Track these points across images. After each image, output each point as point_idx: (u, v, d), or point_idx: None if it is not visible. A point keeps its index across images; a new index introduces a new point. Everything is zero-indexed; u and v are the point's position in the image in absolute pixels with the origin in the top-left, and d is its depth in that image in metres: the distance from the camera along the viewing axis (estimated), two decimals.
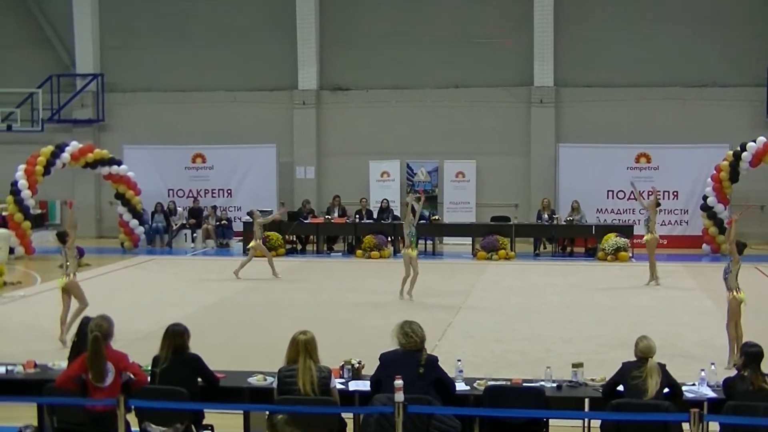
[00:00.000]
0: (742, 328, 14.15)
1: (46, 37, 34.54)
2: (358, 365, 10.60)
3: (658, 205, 23.76)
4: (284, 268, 25.88)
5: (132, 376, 9.71)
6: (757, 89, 30.48)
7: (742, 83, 30.71)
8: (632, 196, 29.81)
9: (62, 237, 16.38)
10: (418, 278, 20.14)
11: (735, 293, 14.37)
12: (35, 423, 10.34)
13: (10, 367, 10.98)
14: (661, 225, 29.88)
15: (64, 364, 10.43)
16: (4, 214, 28.76)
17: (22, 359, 11.26)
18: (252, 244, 24.37)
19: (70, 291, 15.96)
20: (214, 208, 31.54)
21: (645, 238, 23.01)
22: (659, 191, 25.75)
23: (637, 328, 13.91)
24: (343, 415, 9.58)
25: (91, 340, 9.42)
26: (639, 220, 27.52)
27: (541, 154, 31.58)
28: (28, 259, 27.67)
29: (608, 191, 30.70)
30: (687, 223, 30.12)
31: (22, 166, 28.44)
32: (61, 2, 33.93)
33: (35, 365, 10.95)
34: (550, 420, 9.77)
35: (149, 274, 25.51)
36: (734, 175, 28.09)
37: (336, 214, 30.03)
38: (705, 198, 28.35)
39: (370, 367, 10.09)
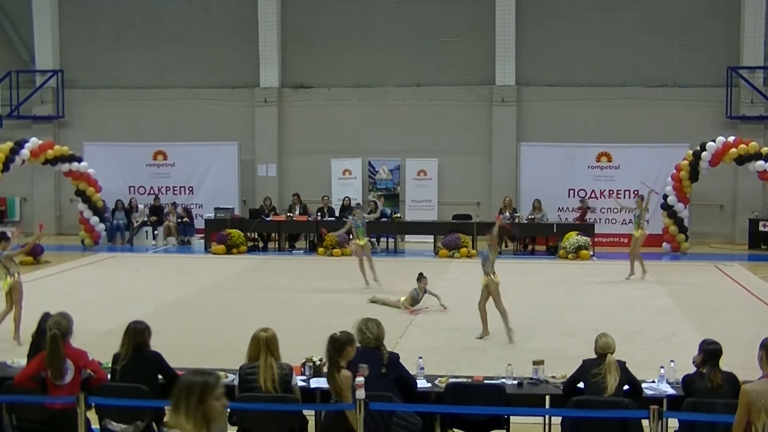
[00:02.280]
0: (503, 305, 16.05)
1: (4, 32, 34.25)
2: (319, 363, 10.61)
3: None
4: (246, 265, 25.90)
5: (92, 373, 9.68)
6: (717, 89, 30.69)
7: (702, 84, 30.92)
8: (593, 196, 30.16)
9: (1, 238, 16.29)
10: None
11: (493, 276, 15.92)
12: None
13: None
14: (621, 224, 30.19)
15: (23, 362, 10.38)
16: None
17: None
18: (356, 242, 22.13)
19: (12, 292, 15.81)
20: (175, 205, 31.41)
21: (635, 234, 23.38)
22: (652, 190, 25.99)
23: (598, 326, 13.98)
24: (305, 412, 9.60)
25: (50, 338, 9.39)
26: (628, 219, 27.64)
27: (503, 152, 31.67)
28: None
29: (569, 190, 30.83)
30: (647, 221, 30.23)
31: None
32: None
33: None
34: (511, 417, 9.84)
35: (110, 271, 25.34)
36: (694, 175, 28.27)
37: (297, 212, 30.00)
38: (665, 197, 28.52)
39: None
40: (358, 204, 27.69)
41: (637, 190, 30.08)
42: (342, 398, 8.94)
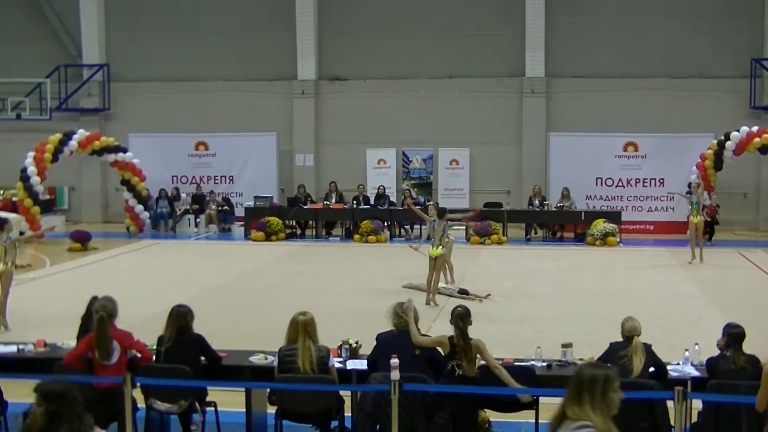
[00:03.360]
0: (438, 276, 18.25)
1: (53, 29, 34.48)
2: (355, 345, 10.64)
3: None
4: (284, 252, 25.98)
5: (137, 353, 9.78)
6: (742, 80, 30.50)
7: (726, 75, 30.74)
8: (620, 184, 30.10)
9: (1, 225, 16.10)
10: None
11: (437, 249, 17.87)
12: None
13: (21, 347, 11.03)
14: (648, 211, 30.10)
15: (72, 343, 10.45)
16: (14, 199, 28.88)
17: (33, 339, 11.32)
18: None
19: (1, 278, 15.66)
20: (213, 193, 31.55)
21: (694, 220, 23.46)
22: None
23: (624, 310, 13.89)
24: (341, 392, 9.64)
25: (97, 320, 9.47)
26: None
27: (533, 142, 31.59)
28: (37, 242, 27.62)
29: (597, 178, 30.74)
30: (673, 209, 30.08)
31: (31, 154, 28.40)
32: None
33: (45, 344, 10.98)
34: (540, 398, 9.82)
35: (154, 257, 25.50)
36: (718, 164, 28.16)
37: (333, 200, 30.03)
38: (690, 185, 28.36)
39: (367, 347, 10.15)
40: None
41: (663, 179, 30.10)
42: (486, 359, 9.46)
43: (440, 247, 17.93)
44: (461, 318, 9.60)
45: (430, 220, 18.80)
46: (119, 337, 9.60)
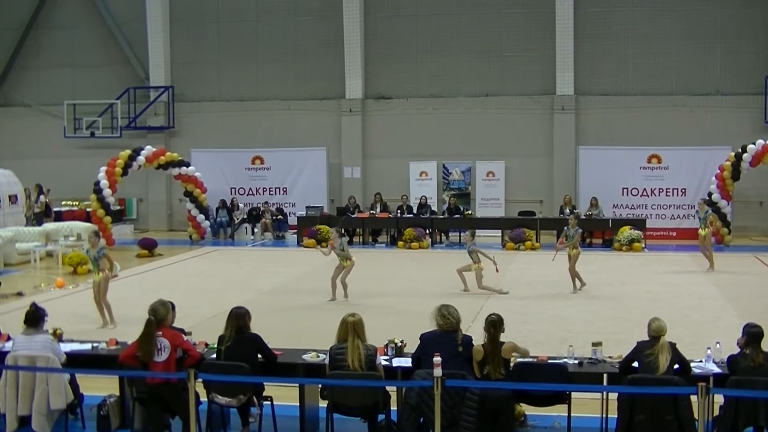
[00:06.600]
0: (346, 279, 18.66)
1: (124, 55, 34.78)
2: (400, 344, 10.60)
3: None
4: (334, 257, 25.89)
5: (185, 352, 9.79)
6: (756, 97, 30.17)
7: (742, 92, 30.42)
8: (645, 193, 29.89)
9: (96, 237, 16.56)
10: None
11: (351, 260, 18.65)
12: (117, 393, 10.51)
13: (95, 345, 11.09)
14: (671, 219, 29.86)
15: None
16: (88, 210, 29.36)
17: (106, 338, 11.39)
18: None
19: (100, 285, 16.00)
20: (267, 204, 31.77)
21: (702, 233, 23.03)
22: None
23: (650, 311, 13.77)
24: (387, 388, 9.61)
25: (145, 323, 9.51)
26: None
27: (563, 155, 31.43)
28: (108, 249, 27.74)
29: (623, 189, 30.54)
30: (694, 217, 29.73)
31: (104, 168, 28.72)
32: (137, 24, 34.20)
33: (117, 343, 11.04)
34: (572, 393, 9.75)
35: (214, 262, 25.60)
36: (736, 174, 27.89)
37: (379, 210, 30.03)
38: (710, 194, 28.12)
39: (412, 346, 10.10)
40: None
41: (684, 189, 29.85)
42: (522, 353, 9.75)
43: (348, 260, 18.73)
44: (493, 325, 9.60)
45: (337, 238, 19.31)
46: (169, 336, 9.67)
